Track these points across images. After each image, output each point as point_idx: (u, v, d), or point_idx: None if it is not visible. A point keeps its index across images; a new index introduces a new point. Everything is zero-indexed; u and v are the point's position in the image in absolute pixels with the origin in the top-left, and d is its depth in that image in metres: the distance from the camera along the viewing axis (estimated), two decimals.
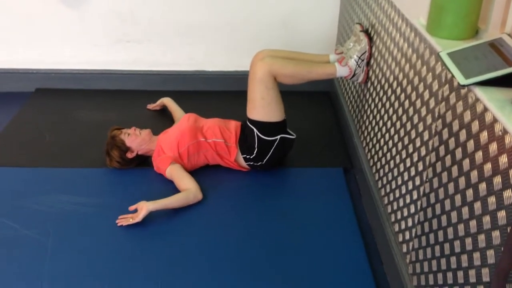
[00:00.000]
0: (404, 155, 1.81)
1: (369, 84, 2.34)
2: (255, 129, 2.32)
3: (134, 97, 3.19)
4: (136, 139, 2.43)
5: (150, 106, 3.07)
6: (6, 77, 3.27)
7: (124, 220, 2.12)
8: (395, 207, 1.91)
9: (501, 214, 1.11)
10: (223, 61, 3.26)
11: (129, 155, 2.43)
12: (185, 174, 2.32)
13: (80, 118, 2.97)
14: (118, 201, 2.20)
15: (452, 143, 1.38)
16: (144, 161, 2.51)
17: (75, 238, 2.05)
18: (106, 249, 2.01)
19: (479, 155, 1.22)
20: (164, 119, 2.91)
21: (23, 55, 3.22)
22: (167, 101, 2.99)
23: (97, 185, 2.39)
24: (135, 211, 2.13)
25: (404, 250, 1.80)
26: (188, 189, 2.24)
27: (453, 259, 1.37)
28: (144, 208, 2.09)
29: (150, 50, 3.22)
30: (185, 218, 2.17)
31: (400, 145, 1.86)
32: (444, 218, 1.44)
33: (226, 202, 2.29)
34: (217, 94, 3.27)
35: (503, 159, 1.10)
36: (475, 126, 1.24)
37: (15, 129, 2.84)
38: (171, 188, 2.31)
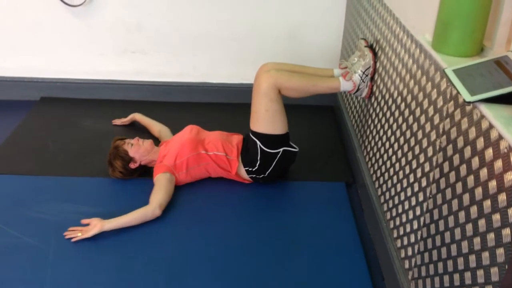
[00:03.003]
0: (407, 171, 1.81)
1: (373, 99, 2.35)
2: (258, 142, 2.33)
3: (138, 107, 3.19)
4: (139, 150, 2.43)
5: (118, 122, 2.99)
6: (12, 85, 3.28)
7: (73, 233, 2.08)
8: (397, 223, 1.91)
9: (506, 231, 1.11)
10: (228, 73, 3.27)
11: (132, 166, 2.43)
12: (166, 187, 2.27)
13: (84, 127, 2.98)
14: (119, 211, 2.19)
15: (456, 159, 1.38)
16: (146, 171, 2.51)
17: (76, 247, 2.04)
18: (107, 258, 2.00)
19: (483, 172, 1.22)
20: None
21: (29, 63, 3.24)
22: (139, 117, 2.94)
23: (100, 194, 2.39)
24: (87, 224, 2.10)
25: (406, 266, 1.79)
26: (148, 206, 2.18)
27: (456, 276, 1.37)
28: (98, 226, 2.07)
29: (155, 61, 3.24)
30: (186, 228, 2.17)
31: (403, 161, 1.86)
32: (447, 235, 1.43)
33: (228, 213, 2.29)
34: (222, 106, 3.27)
35: (508, 177, 1.10)
36: (480, 143, 1.24)
37: (19, 137, 2.85)
38: (172, 198, 2.31)
